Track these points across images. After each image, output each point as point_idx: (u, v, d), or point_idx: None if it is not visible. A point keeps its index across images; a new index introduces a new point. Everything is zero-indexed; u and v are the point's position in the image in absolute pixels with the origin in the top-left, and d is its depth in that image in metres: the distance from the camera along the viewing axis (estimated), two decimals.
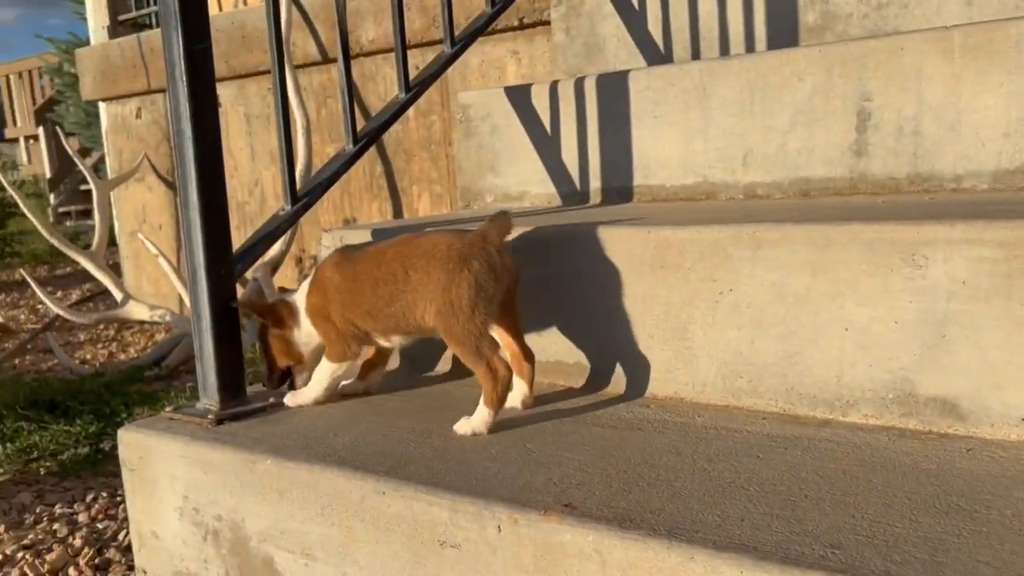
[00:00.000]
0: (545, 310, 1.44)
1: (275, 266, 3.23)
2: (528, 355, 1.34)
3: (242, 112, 3.79)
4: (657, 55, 2.16)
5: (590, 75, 1.85)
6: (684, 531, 0.90)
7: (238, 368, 1.45)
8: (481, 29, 1.95)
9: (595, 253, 1.38)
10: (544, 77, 2.81)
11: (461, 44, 1.89)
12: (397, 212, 3.40)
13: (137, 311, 3.54)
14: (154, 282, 4.34)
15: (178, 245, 4.18)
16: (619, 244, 1.35)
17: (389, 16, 3.01)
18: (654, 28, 2.16)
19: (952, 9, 1.77)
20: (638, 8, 2.18)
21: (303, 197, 1.58)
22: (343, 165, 1.63)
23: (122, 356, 3.59)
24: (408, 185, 3.36)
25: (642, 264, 1.33)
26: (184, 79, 1.36)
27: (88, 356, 3.62)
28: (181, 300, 4.18)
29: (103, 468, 2.27)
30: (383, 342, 1.41)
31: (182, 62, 1.36)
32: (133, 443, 1.40)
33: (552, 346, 1.44)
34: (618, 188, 1.83)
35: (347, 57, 1.66)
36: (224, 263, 1.42)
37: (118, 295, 3.59)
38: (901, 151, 1.50)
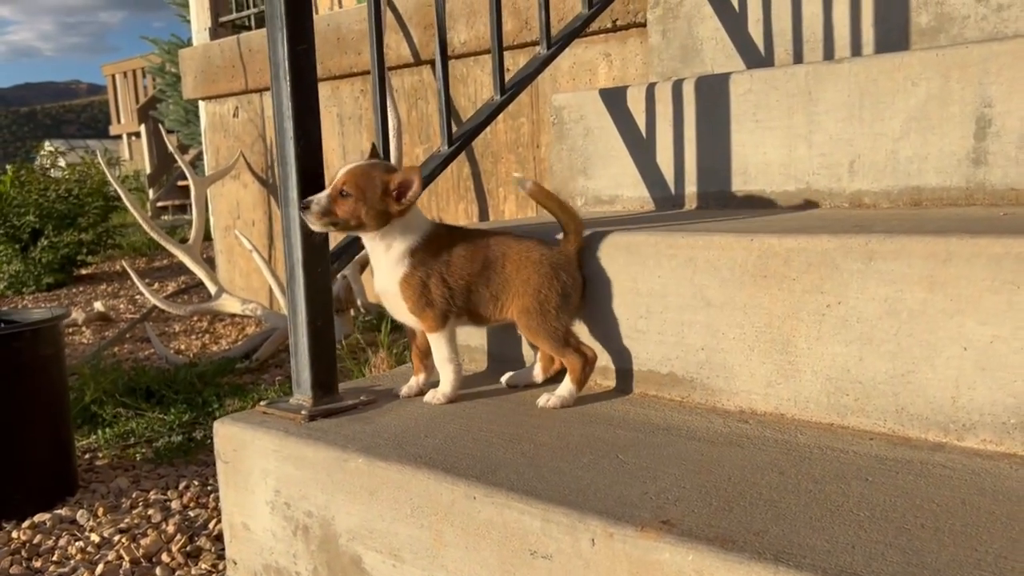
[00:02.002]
0: (636, 317, 1.41)
1: (364, 264, 3.27)
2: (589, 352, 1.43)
3: (335, 113, 3.85)
4: (757, 58, 2.10)
5: (688, 77, 1.81)
6: (791, 556, 0.85)
7: (331, 365, 1.46)
8: (578, 31, 1.93)
9: (693, 259, 1.34)
10: (636, 80, 2.77)
11: (557, 45, 1.87)
12: (483, 214, 3.40)
13: (230, 304, 3.63)
14: (246, 276, 4.45)
15: (270, 241, 4.28)
16: (719, 251, 1.31)
17: (480, 18, 3.02)
18: (754, 30, 2.10)
19: None
20: (738, 10, 2.12)
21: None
22: (439, 166, 1.63)
23: (214, 348, 3.69)
24: (495, 187, 3.36)
25: (744, 273, 1.28)
26: (287, 79, 1.38)
27: (182, 347, 3.73)
28: (272, 295, 4.28)
29: (195, 456, 2.33)
30: (445, 326, 1.45)
31: (286, 62, 1.38)
32: (228, 436, 1.42)
33: (643, 354, 1.41)
34: (715, 193, 1.78)
35: (444, 59, 1.66)
36: (321, 260, 1.43)
37: (212, 288, 3.69)
38: None
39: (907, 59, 1.51)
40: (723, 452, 1.15)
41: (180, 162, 3.88)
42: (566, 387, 1.40)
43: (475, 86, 3.35)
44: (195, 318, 4.30)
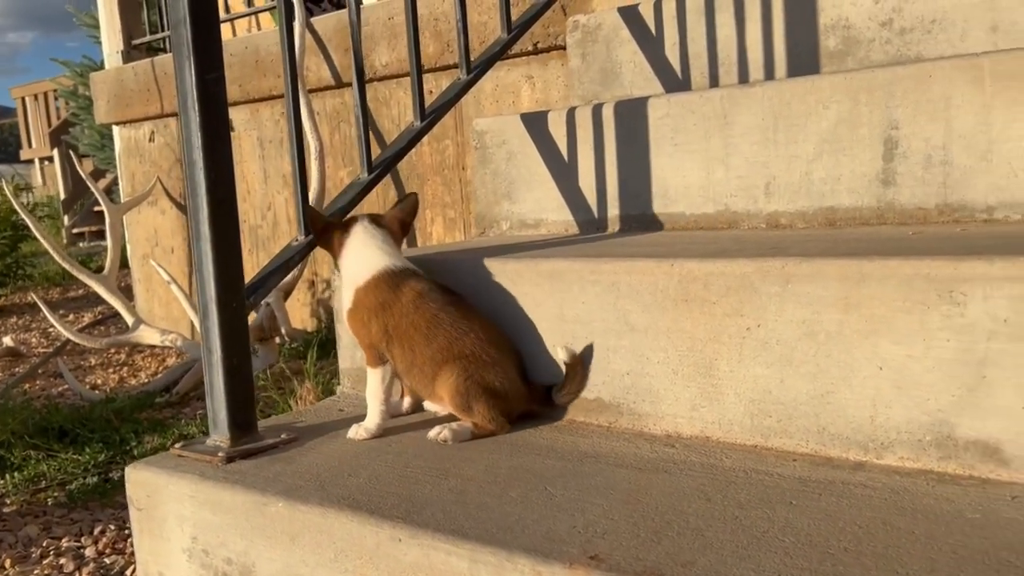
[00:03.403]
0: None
1: (288, 291, 3.21)
2: None
3: (255, 136, 3.78)
4: (675, 81, 2.13)
5: (608, 101, 1.82)
6: None
7: (249, 403, 1.42)
8: (497, 55, 1.92)
9: (616, 284, 1.34)
10: (559, 102, 2.79)
11: (477, 70, 1.86)
12: (411, 237, 3.37)
13: (148, 336, 3.52)
14: (166, 305, 4.32)
15: (190, 269, 4.16)
16: (641, 276, 1.31)
17: (402, 41, 3.00)
18: (671, 54, 2.13)
19: (977, 35, 1.74)
20: (655, 34, 2.15)
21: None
22: (358, 193, 1.61)
23: (133, 381, 3.56)
24: (422, 210, 3.33)
25: (666, 297, 1.29)
26: (196, 108, 1.34)
27: (99, 381, 3.59)
28: (192, 325, 4.16)
29: (111, 499, 2.23)
30: (379, 366, 1.45)
31: (194, 91, 1.34)
32: (141, 481, 1.36)
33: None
34: (637, 216, 1.79)
35: (362, 84, 1.63)
36: (235, 297, 1.38)
37: (129, 319, 3.57)
38: (930, 181, 1.46)
39: (818, 82, 1.55)
40: (650, 479, 1.14)
41: (93, 189, 3.75)
42: (463, 424, 1.38)
43: (399, 108, 3.32)
44: (112, 350, 4.15)
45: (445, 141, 3.21)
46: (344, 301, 1.47)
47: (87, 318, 5.24)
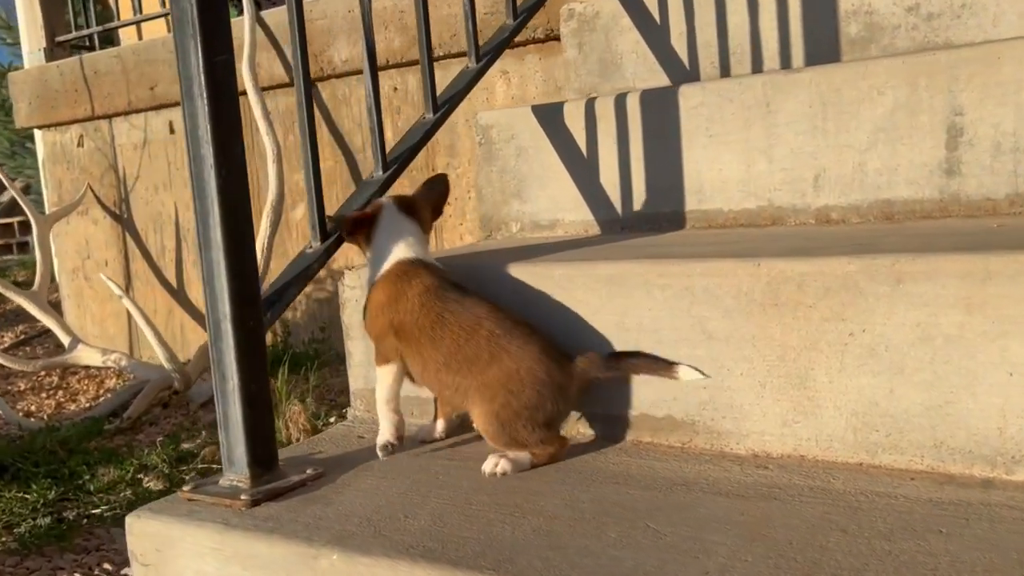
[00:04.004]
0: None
1: None
2: None
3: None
4: (682, 72, 2.01)
5: (633, 91, 1.69)
6: None
7: (270, 436, 1.23)
8: (505, 42, 1.78)
9: (690, 288, 1.21)
10: (537, 98, 2.65)
11: (487, 59, 1.71)
12: None
13: (87, 356, 3.23)
14: (99, 323, 4.01)
15: (127, 283, 3.87)
16: (721, 278, 1.18)
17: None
18: (678, 43, 2.02)
19: (1011, 20, 1.67)
20: (660, 22, 2.03)
21: (334, 232, 1.36)
22: (374, 193, 1.43)
23: (72, 406, 3.27)
24: None
25: (751, 301, 1.16)
26: (204, 95, 1.15)
27: (33, 407, 3.28)
28: (133, 342, 3.88)
29: (71, 542, 1.99)
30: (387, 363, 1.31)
31: (201, 76, 1.15)
32: (147, 533, 1.16)
33: (634, 396, 1.26)
34: (667, 214, 1.66)
35: (374, 72, 1.46)
36: (253, 313, 1.20)
37: (65, 338, 3.28)
38: (999, 169, 1.37)
39: (872, 67, 1.45)
40: (763, 509, 1.01)
41: (19, 199, 3.44)
42: (523, 454, 1.21)
43: (360, 107, 3.13)
44: (43, 373, 3.82)
45: None
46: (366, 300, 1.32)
47: (8, 338, 4.85)
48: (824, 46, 1.85)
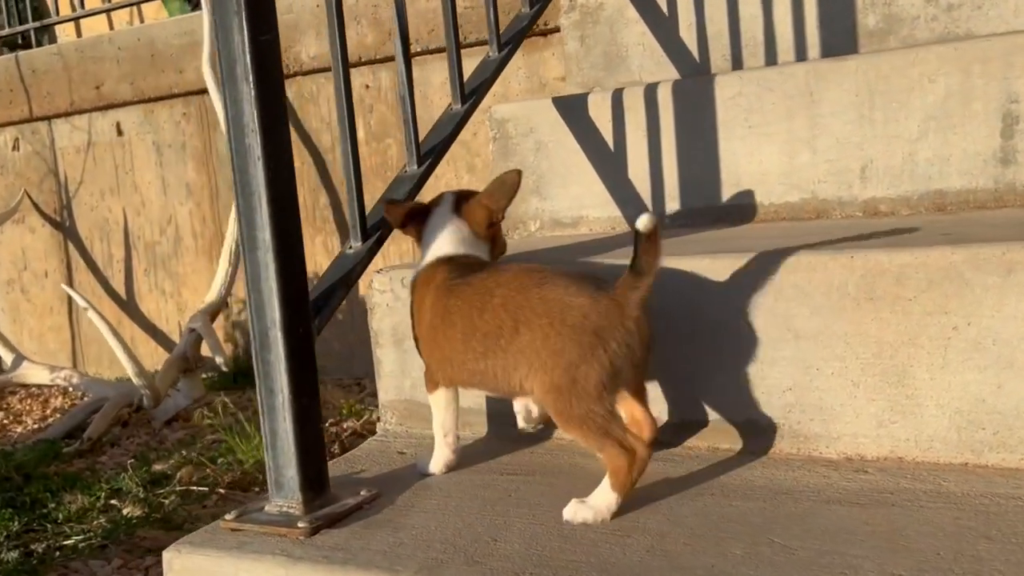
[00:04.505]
0: (695, 358, 1.19)
1: (215, 313, 2.80)
2: (651, 424, 1.10)
3: (151, 140, 3.33)
4: (691, 65, 1.96)
5: (664, 82, 1.62)
6: None
7: (322, 455, 1.11)
8: (524, 31, 1.69)
9: (763, 284, 1.14)
10: (520, 95, 2.57)
11: (508, 48, 1.62)
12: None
13: (34, 374, 3.02)
14: (38, 339, 3.75)
15: (69, 296, 3.63)
16: (809, 272, 1.11)
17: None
18: (687, 35, 1.96)
19: None
20: (667, 14, 1.97)
21: (373, 232, 1.25)
22: (412, 189, 1.33)
23: (18, 428, 3.03)
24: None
25: (843, 296, 1.10)
26: (251, 79, 1.03)
27: None
28: (76, 358, 3.65)
29: None
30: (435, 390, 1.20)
31: (247, 56, 1.03)
32: (192, 569, 1.03)
33: (707, 401, 1.19)
34: (702, 209, 1.60)
35: (408, 61, 1.36)
36: (303, 320, 1.08)
37: (7, 356, 3.05)
38: None
39: (923, 54, 1.41)
40: (885, 516, 0.95)
41: None
42: (604, 495, 1.01)
43: (328, 105, 2.99)
44: None
45: (387, 140, 2.91)
46: None
47: None
48: (841, 37, 1.81)
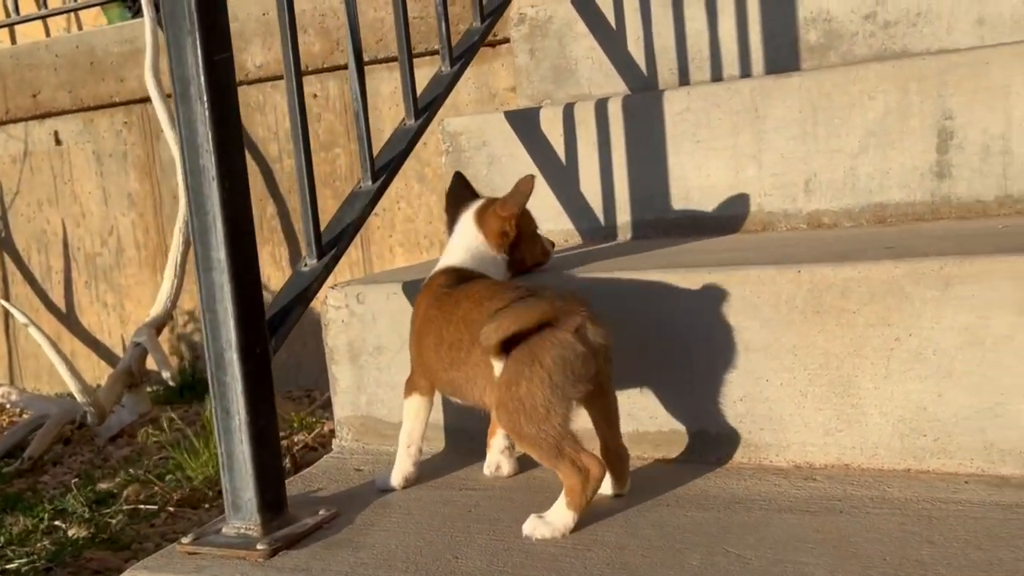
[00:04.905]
0: (652, 370, 1.21)
1: (160, 326, 2.75)
2: (621, 451, 1.10)
3: (90, 150, 3.25)
4: (639, 78, 1.99)
5: (614, 96, 1.64)
6: None
7: (280, 476, 1.11)
8: (476, 45, 1.70)
9: (714, 298, 1.17)
10: (469, 107, 2.58)
11: (460, 63, 1.63)
12: (294, 257, 3.02)
13: None
14: None
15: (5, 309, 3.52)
16: (758, 287, 1.15)
17: (280, 39, 2.65)
18: (635, 49, 1.99)
19: (964, 28, 1.73)
20: (616, 28, 2.00)
21: (329, 248, 1.25)
22: (367, 205, 1.33)
23: None
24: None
25: (792, 309, 1.13)
26: (205, 99, 1.02)
27: None
28: (12, 374, 3.55)
29: None
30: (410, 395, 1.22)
31: (200, 78, 1.02)
32: None
33: (662, 412, 1.21)
34: (652, 221, 1.63)
35: (362, 78, 1.36)
36: (260, 340, 1.07)
37: None
38: (989, 172, 1.41)
39: (863, 72, 1.46)
40: (834, 523, 0.98)
41: None
42: (560, 513, 1.02)
43: (275, 115, 2.96)
44: None
45: (336, 150, 2.90)
46: None
47: None
48: (784, 52, 1.86)
